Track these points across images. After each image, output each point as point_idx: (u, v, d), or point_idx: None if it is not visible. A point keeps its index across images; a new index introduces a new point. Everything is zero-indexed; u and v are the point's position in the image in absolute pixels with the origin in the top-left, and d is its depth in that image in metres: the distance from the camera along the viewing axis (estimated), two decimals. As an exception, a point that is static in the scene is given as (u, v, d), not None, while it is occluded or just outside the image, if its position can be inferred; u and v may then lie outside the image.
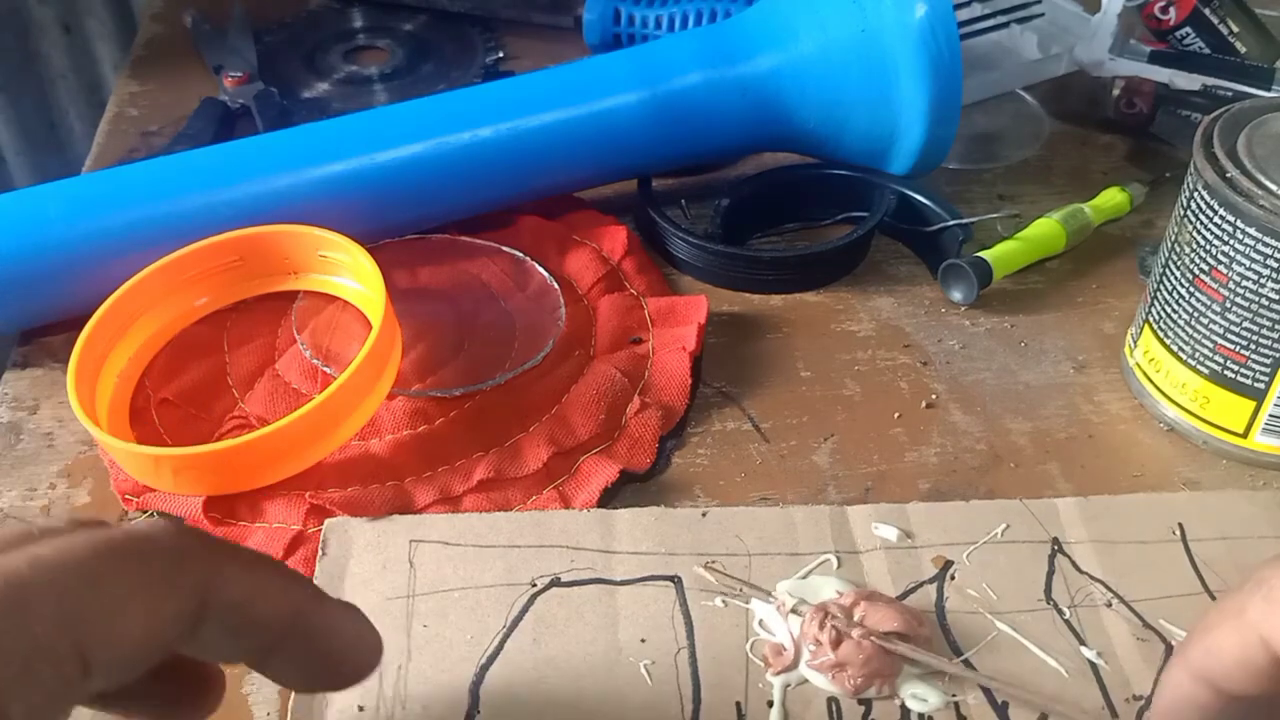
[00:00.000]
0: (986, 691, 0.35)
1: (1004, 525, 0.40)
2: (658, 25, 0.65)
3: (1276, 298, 0.40)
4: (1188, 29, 0.61)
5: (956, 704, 0.35)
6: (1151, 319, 0.45)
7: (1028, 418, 0.46)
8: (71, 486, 0.43)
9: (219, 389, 0.46)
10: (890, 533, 0.40)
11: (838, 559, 0.39)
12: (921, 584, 0.39)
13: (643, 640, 0.37)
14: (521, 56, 0.72)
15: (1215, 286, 0.41)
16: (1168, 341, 0.44)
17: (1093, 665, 0.36)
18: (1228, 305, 0.41)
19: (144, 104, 0.67)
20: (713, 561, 0.39)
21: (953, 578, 0.39)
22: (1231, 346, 0.42)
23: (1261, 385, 0.42)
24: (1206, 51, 0.61)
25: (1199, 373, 0.43)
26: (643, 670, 0.36)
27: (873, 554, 0.40)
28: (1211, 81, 0.59)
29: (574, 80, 0.52)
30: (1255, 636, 0.26)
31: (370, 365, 0.42)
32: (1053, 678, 0.36)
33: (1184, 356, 0.44)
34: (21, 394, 0.47)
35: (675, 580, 0.39)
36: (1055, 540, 0.40)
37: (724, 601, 0.38)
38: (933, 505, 0.41)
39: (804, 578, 0.39)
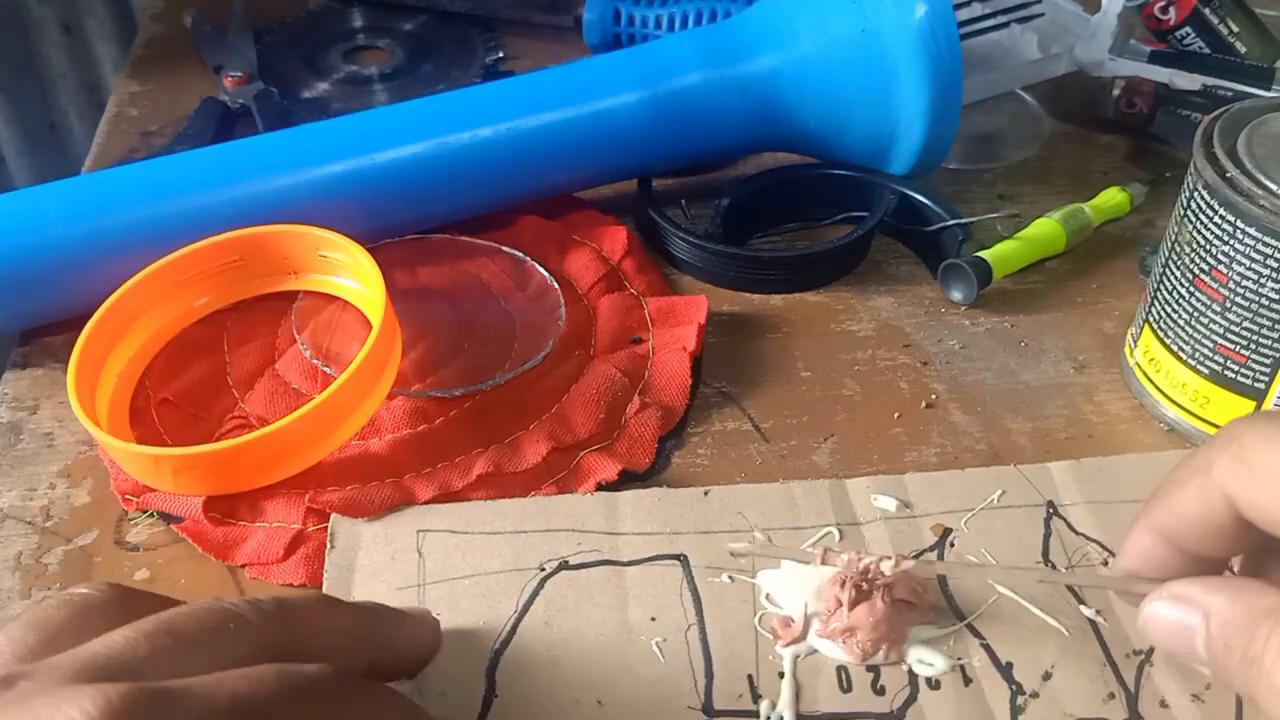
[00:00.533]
0: (990, 652, 0.36)
1: (1000, 491, 0.41)
2: (658, 25, 0.65)
3: (1276, 298, 0.40)
4: (1188, 29, 0.61)
5: (962, 666, 0.36)
6: (1151, 319, 0.45)
7: (1028, 418, 0.46)
8: (71, 487, 0.43)
9: (219, 389, 0.46)
10: (889, 503, 0.41)
11: (839, 531, 0.40)
12: (922, 552, 0.39)
13: (653, 619, 0.37)
14: (521, 56, 0.72)
15: (1215, 286, 0.41)
16: (1168, 341, 0.44)
17: (1092, 623, 0.37)
18: (1228, 305, 0.41)
19: (144, 104, 0.67)
20: (768, 532, 0.39)
21: (952, 544, 0.40)
22: (1231, 346, 0.42)
23: (1261, 385, 0.42)
24: (1206, 51, 0.61)
25: (1199, 373, 0.43)
26: (654, 648, 0.36)
27: (873, 525, 0.40)
28: (1211, 81, 0.59)
29: (574, 80, 0.52)
30: (1219, 494, 0.25)
31: (370, 365, 0.42)
32: (1054, 637, 0.36)
33: (1184, 356, 0.44)
34: (21, 394, 0.47)
35: (681, 558, 0.39)
36: (1050, 503, 0.41)
37: (730, 577, 0.38)
38: (930, 475, 0.42)
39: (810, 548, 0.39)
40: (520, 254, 0.52)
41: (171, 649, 0.26)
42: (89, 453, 0.44)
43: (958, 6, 0.65)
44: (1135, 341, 0.47)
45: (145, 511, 0.42)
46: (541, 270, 0.51)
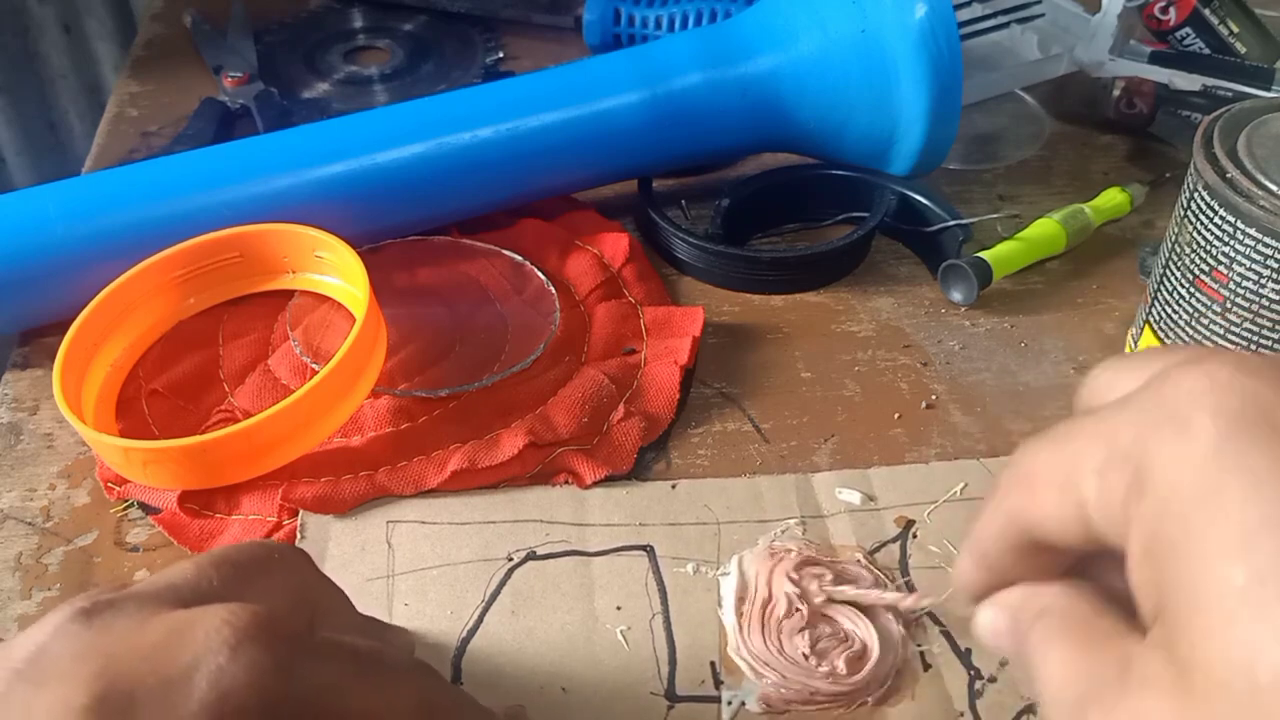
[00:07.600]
0: (949, 639, 0.37)
1: (962, 484, 0.42)
2: (658, 25, 0.65)
3: (1277, 298, 0.40)
4: (1188, 29, 0.61)
5: (921, 653, 0.37)
6: (1152, 319, 0.45)
7: (1028, 418, 0.46)
8: (71, 487, 0.43)
9: (210, 382, 0.46)
10: (854, 496, 0.42)
11: (804, 524, 0.41)
12: (885, 543, 0.40)
13: (618, 608, 0.38)
14: (521, 56, 0.72)
15: (1216, 287, 0.41)
16: (1168, 342, 0.44)
17: None
18: (1228, 306, 0.41)
19: (144, 104, 0.67)
20: (733, 524, 0.40)
21: (915, 535, 0.41)
22: (1232, 347, 0.42)
23: (1262, 386, 0.42)
24: (1206, 52, 0.61)
25: (1199, 373, 0.43)
26: (619, 636, 0.37)
27: (837, 517, 0.41)
28: (1211, 81, 0.59)
29: (574, 80, 0.52)
30: (1004, 516, 0.25)
31: (349, 366, 0.42)
32: None
33: (1184, 357, 0.44)
34: (21, 394, 0.47)
35: (648, 549, 0.40)
36: None
37: (695, 567, 0.39)
38: (894, 469, 0.43)
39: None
40: (519, 257, 0.52)
41: (235, 577, 0.28)
42: (89, 453, 0.44)
43: (958, 6, 0.65)
44: (1136, 342, 0.47)
45: (125, 501, 0.42)
46: (539, 274, 0.51)
